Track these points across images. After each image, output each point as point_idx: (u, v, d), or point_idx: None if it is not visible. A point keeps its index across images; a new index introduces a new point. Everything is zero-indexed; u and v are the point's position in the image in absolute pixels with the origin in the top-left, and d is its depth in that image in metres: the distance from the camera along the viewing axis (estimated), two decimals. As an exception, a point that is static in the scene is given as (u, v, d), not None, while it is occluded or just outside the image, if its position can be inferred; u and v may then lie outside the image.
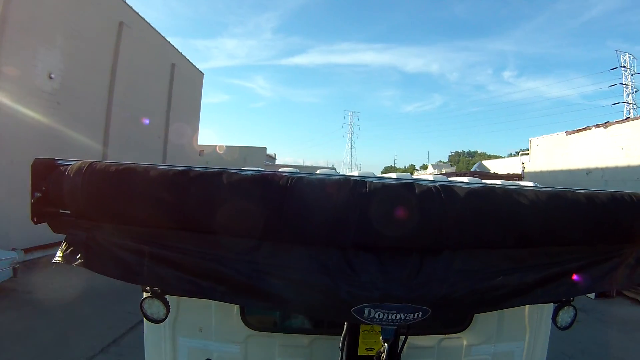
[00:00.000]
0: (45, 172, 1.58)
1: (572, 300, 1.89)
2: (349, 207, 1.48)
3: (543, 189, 1.75)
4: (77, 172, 1.52)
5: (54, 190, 1.55)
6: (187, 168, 1.57)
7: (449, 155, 77.94)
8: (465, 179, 2.38)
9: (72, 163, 1.60)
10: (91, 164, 1.55)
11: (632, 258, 1.75)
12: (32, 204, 1.58)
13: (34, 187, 1.58)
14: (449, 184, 1.73)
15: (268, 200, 1.48)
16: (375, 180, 1.62)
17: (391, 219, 1.49)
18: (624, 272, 1.74)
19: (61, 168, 1.58)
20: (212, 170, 1.57)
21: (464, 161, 69.65)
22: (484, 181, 2.42)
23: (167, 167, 1.58)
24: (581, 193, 1.69)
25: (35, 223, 1.62)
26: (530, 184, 2.31)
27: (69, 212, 1.59)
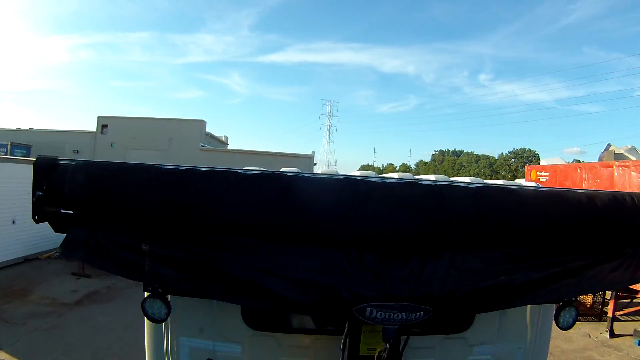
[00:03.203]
0: (47, 172, 1.58)
1: (574, 301, 1.88)
2: (351, 206, 1.48)
3: (545, 189, 1.75)
4: (78, 171, 1.52)
5: (55, 189, 1.55)
6: (188, 168, 1.57)
7: (432, 154, 75.21)
8: (467, 179, 2.37)
9: (73, 162, 1.60)
10: (92, 163, 1.56)
11: (634, 258, 1.75)
12: (33, 203, 1.58)
13: (36, 186, 1.58)
14: (450, 183, 1.73)
15: (269, 200, 1.48)
16: (377, 180, 1.62)
17: (393, 219, 1.48)
18: (625, 273, 1.73)
19: (62, 167, 1.58)
20: (212, 170, 1.57)
21: (449, 160, 68.35)
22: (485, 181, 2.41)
23: (167, 167, 1.58)
24: (582, 193, 1.68)
25: (37, 222, 1.63)
26: (532, 184, 2.31)
27: (70, 211, 1.59)
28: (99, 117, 22.59)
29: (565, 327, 1.92)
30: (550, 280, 1.63)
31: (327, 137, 75.78)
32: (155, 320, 1.74)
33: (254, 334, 2.20)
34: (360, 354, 2.03)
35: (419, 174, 5.10)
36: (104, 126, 22.31)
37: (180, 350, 2.21)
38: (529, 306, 2.32)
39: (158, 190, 1.49)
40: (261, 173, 1.58)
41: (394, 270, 1.50)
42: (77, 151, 20.52)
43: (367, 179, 1.61)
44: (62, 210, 1.62)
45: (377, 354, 1.92)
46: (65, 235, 1.60)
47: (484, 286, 1.54)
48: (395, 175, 2.51)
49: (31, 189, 1.59)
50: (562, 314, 1.89)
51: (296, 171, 1.86)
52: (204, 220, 1.50)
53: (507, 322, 2.33)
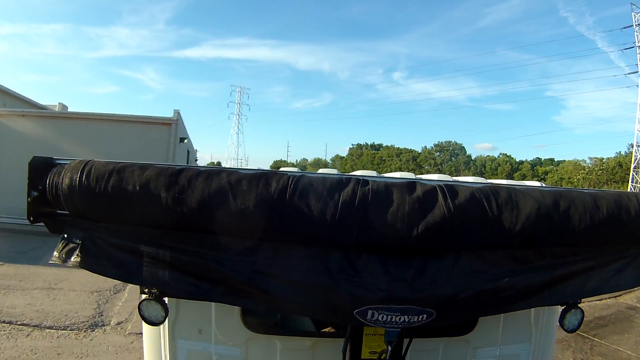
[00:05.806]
0: (42, 171, 1.56)
1: (580, 303, 1.86)
2: (352, 206, 1.45)
3: (549, 189, 1.72)
4: (75, 170, 1.50)
5: (51, 189, 1.53)
6: (186, 167, 1.55)
7: (350, 148, 73.72)
8: (470, 179, 2.35)
9: (69, 162, 1.58)
10: (88, 162, 1.53)
11: (639, 259, 1.72)
12: (28, 204, 1.56)
13: (31, 186, 1.55)
14: (453, 183, 1.70)
15: (269, 200, 1.45)
16: (378, 180, 1.60)
17: (394, 219, 1.45)
18: (631, 274, 1.71)
19: (58, 167, 1.56)
20: (211, 169, 1.55)
21: (368, 154, 66.33)
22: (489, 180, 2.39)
23: (165, 166, 1.56)
24: (587, 193, 1.66)
25: (32, 223, 1.60)
26: (535, 183, 2.28)
27: (66, 211, 1.56)
28: None
29: (571, 330, 1.90)
30: (556, 282, 1.61)
31: (235, 128, 66.67)
32: (153, 323, 1.72)
33: (254, 337, 2.18)
34: (362, 357, 2.01)
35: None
36: None
37: (178, 352, 2.18)
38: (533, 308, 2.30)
39: (156, 189, 1.47)
40: (261, 172, 1.56)
41: (396, 272, 1.47)
42: None
43: (368, 178, 1.59)
44: (58, 211, 1.60)
45: (379, 356, 1.90)
46: (61, 236, 1.58)
47: (488, 288, 1.52)
48: (397, 174, 2.49)
49: (26, 189, 1.56)
50: (567, 316, 1.86)
51: (296, 171, 1.84)
52: (202, 220, 1.47)
53: (512, 323, 2.31)
